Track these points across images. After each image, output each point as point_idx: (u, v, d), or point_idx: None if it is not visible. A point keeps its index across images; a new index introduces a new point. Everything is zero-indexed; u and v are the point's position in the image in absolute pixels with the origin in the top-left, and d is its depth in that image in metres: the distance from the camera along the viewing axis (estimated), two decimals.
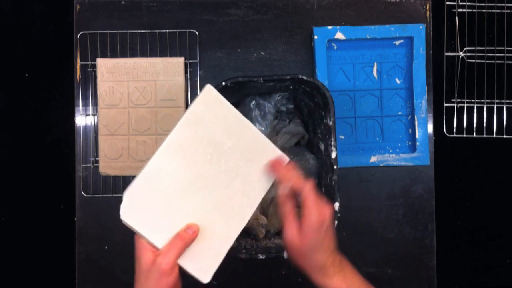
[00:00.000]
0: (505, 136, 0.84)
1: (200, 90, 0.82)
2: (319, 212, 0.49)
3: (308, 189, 0.50)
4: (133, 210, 0.49)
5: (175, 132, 0.52)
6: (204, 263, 0.51)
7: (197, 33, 0.82)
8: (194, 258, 0.51)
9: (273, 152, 0.56)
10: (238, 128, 0.54)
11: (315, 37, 0.80)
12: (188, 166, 0.52)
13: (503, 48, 0.84)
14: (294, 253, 0.51)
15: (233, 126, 0.54)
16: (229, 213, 0.53)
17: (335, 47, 0.83)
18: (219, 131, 0.53)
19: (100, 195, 0.81)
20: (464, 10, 0.84)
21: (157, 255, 0.48)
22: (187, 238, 0.49)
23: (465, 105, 0.84)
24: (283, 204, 0.51)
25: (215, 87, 0.64)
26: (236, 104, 0.79)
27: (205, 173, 0.52)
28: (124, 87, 0.80)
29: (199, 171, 0.52)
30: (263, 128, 0.77)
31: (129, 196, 0.50)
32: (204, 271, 0.51)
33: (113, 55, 0.81)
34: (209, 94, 0.54)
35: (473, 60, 0.84)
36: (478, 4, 0.84)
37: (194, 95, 0.82)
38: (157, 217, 0.50)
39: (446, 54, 0.85)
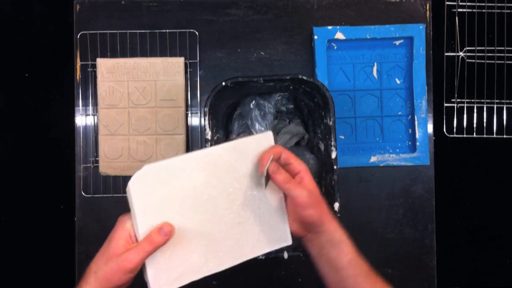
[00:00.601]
0: (505, 136, 0.84)
1: (201, 90, 0.82)
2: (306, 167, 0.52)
3: (288, 152, 0.52)
4: (142, 185, 0.48)
5: (219, 148, 0.51)
6: (164, 276, 0.49)
7: (197, 33, 0.82)
8: (160, 265, 0.49)
9: (283, 226, 0.54)
10: (269, 187, 0.53)
11: (315, 37, 0.80)
12: (208, 184, 0.51)
13: (503, 48, 0.84)
14: (315, 201, 0.50)
15: (261, 182, 0.53)
16: (213, 251, 0.51)
17: (335, 47, 0.83)
18: (253, 176, 0.52)
19: (100, 195, 0.81)
20: (464, 10, 0.84)
21: (126, 249, 0.47)
22: (157, 242, 0.47)
23: (465, 105, 0.84)
24: (281, 171, 0.50)
25: (215, 87, 0.65)
26: (236, 104, 0.79)
27: (218, 201, 0.51)
28: (124, 87, 0.80)
29: (214, 196, 0.51)
30: (263, 128, 0.77)
31: (148, 171, 0.48)
32: (160, 284, 0.49)
33: (113, 55, 0.81)
34: (266, 139, 0.53)
35: (473, 60, 0.84)
36: (478, 4, 0.84)
37: (194, 95, 0.82)
38: (156, 207, 0.48)
39: (446, 54, 0.85)
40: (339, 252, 0.50)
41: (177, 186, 0.49)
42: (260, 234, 0.53)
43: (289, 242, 0.54)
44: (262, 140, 0.53)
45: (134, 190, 0.47)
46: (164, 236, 0.48)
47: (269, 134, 0.53)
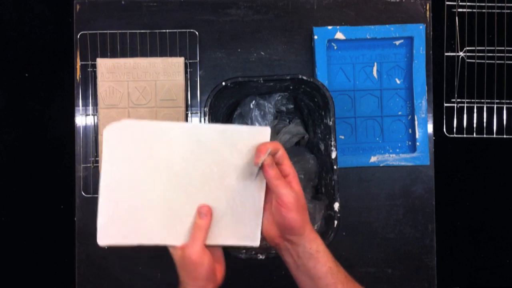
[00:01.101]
0: (505, 136, 0.84)
1: (201, 90, 0.82)
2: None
3: (284, 152, 0.51)
4: (116, 137, 0.48)
5: (208, 127, 0.50)
6: (114, 229, 0.48)
7: (197, 33, 0.82)
8: (112, 216, 0.48)
9: (255, 226, 0.53)
10: (253, 183, 0.52)
11: (315, 37, 0.80)
12: (186, 159, 0.50)
13: (503, 48, 0.84)
14: (300, 205, 0.50)
15: (252, 173, 0.51)
16: (172, 223, 0.50)
17: (335, 47, 0.83)
18: (236, 166, 0.51)
19: None
20: (464, 10, 0.84)
21: (183, 248, 0.49)
22: (203, 225, 0.49)
23: (465, 105, 0.84)
24: (275, 166, 0.50)
25: (215, 87, 0.65)
26: (236, 104, 0.80)
27: (191, 178, 0.50)
28: (124, 87, 0.80)
29: (189, 172, 0.50)
30: None
31: (125, 125, 0.48)
32: (108, 235, 0.48)
33: (113, 55, 0.81)
34: (262, 134, 0.51)
35: (473, 60, 0.84)
36: (478, 4, 0.84)
37: (194, 95, 0.82)
38: (126, 162, 0.48)
39: (446, 54, 0.85)
40: (316, 262, 0.50)
41: (154, 149, 0.49)
42: (228, 225, 0.52)
43: (256, 243, 0.53)
44: (258, 134, 0.51)
45: (107, 139, 0.48)
46: (204, 217, 0.50)
47: (267, 130, 0.52)
